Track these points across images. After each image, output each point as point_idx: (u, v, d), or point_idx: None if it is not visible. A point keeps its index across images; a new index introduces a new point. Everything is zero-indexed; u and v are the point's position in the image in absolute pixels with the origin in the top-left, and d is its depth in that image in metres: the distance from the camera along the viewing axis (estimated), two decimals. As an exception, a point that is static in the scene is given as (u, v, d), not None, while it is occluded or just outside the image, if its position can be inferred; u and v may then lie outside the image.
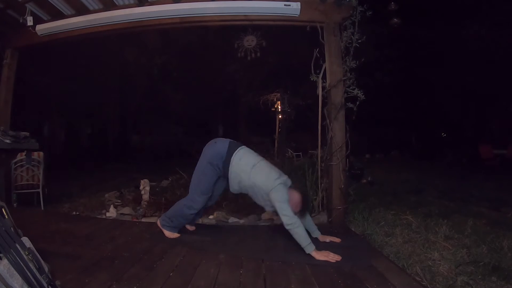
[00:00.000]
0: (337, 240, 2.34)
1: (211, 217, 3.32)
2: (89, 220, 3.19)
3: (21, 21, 3.71)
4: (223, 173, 2.37)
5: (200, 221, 3.21)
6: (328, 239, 2.36)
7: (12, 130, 3.68)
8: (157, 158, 12.55)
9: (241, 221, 3.23)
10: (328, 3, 3.28)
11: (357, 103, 3.12)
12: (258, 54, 4.42)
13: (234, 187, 2.39)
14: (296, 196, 2.24)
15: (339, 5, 3.22)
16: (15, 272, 1.14)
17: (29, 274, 1.19)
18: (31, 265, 1.23)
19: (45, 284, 1.24)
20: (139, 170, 7.51)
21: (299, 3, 3.26)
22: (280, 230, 2.85)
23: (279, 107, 9.97)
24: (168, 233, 2.42)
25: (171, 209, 2.46)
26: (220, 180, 2.47)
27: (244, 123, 15.71)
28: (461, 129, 15.46)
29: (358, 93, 3.12)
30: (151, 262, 1.94)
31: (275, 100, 10.30)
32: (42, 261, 1.31)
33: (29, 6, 3.70)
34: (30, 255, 1.25)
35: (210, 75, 12.63)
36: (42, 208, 3.79)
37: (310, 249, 2.05)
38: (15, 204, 3.76)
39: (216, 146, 2.41)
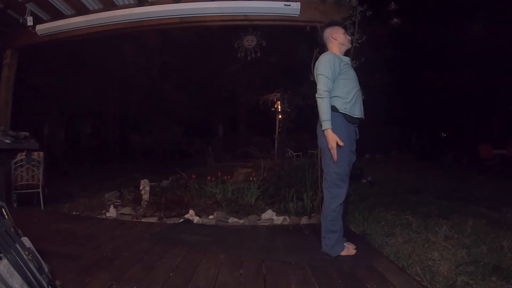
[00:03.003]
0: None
1: (211, 217, 3.32)
2: (89, 220, 3.20)
3: (21, 21, 3.71)
4: None
5: (200, 221, 3.22)
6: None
7: (12, 130, 3.67)
8: (157, 158, 12.55)
9: (241, 221, 3.23)
10: (328, 3, 3.28)
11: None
12: (258, 54, 4.41)
13: None
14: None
15: (339, 5, 3.23)
16: (15, 272, 1.14)
17: (29, 274, 1.19)
18: (31, 265, 1.23)
19: (45, 284, 1.24)
20: (139, 170, 7.51)
21: (299, 3, 3.26)
22: (280, 230, 2.86)
23: (279, 107, 9.97)
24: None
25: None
26: None
27: (244, 123, 15.72)
28: (461, 129, 15.47)
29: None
30: (151, 262, 1.94)
31: (275, 100, 10.32)
32: (42, 261, 1.31)
33: (29, 6, 3.70)
34: (30, 255, 1.25)
35: (210, 75, 12.64)
36: (42, 208, 3.79)
37: (326, 125, 1.97)
38: (15, 204, 3.76)
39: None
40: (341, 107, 2.05)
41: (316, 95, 2.04)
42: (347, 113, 2.05)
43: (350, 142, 2.09)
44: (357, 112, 2.10)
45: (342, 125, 2.04)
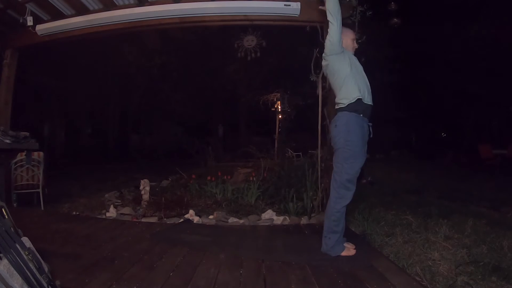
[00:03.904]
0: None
1: (211, 217, 3.32)
2: (89, 220, 3.20)
3: (21, 21, 3.71)
4: None
5: (200, 221, 3.22)
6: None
7: (12, 130, 3.67)
8: (157, 158, 12.55)
9: (241, 221, 3.23)
10: (328, 3, 3.27)
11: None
12: (258, 54, 4.41)
13: None
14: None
15: (339, 5, 3.22)
16: (15, 272, 1.14)
17: (29, 274, 1.19)
18: (31, 265, 1.23)
19: (45, 284, 1.24)
20: (139, 170, 7.51)
21: (299, 3, 3.26)
22: (280, 230, 2.86)
23: (279, 107, 9.97)
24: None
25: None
26: None
27: (244, 123, 15.72)
28: (461, 129, 15.46)
29: (358, 93, 3.11)
30: (151, 262, 1.94)
31: (275, 100, 10.31)
32: (42, 261, 1.31)
33: (29, 6, 3.70)
34: (30, 255, 1.25)
35: (210, 75, 12.64)
36: (42, 208, 3.79)
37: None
38: (15, 204, 3.76)
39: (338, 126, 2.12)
40: (355, 94, 2.03)
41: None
42: (360, 97, 2.04)
43: (363, 143, 2.10)
44: (367, 98, 2.09)
45: (355, 124, 2.03)
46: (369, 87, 2.15)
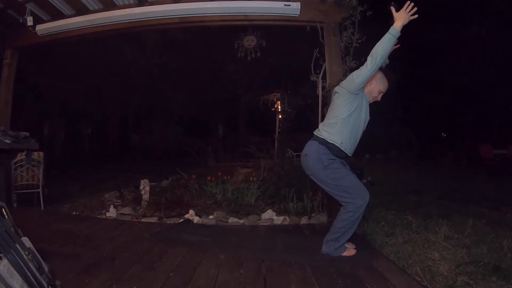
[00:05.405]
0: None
1: (211, 217, 3.32)
2: (89, 220, 3.19)
3: (21, 21, 3.71)
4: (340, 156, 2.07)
5: (200, 221, 3.22)
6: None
7: (12, 130, 3.68)
8: (157, 158, 12.54)
9: (241, 221, 3.23)
10: (328, 3, 3.28)
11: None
12: (258, 54, 4.41)
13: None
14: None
15: (339, 5, 3.22)
16: (15, 272, 1.14)
17: (29, 274, 1.19)
18: (31, 265, 1.23)
19: (45, 284, 1.24)
20: (139, 170, 7.51)
21: (299, 3, 3.26)
22: (280, 230, 2.86)
23: (279, 107, 9.97)
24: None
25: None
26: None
27: (244, 123, 15.72)
28: (461, 129, 15.47)
29: (358, 93, 3.11)
30: (151, 262, 1.94)
31: (275, 100, 10.31)
32: (42, 261, 1.31)
33: (29, 6, 3.70)
34: (30, 255, 1.25)
35: (210, 75, 12.63)
36: (42, 208, 3.79)
37: (394, 31, 1.89)
38: (15, 204, 3.76)
39: (310, 156, 2.06)
40: (335, 140, 2.00)
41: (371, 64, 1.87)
42: (338, 146, 2.00)
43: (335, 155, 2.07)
44: (347, 149, 2.04)
45: (325, 153, 2.00)
46: (357, 141, 2.10)
